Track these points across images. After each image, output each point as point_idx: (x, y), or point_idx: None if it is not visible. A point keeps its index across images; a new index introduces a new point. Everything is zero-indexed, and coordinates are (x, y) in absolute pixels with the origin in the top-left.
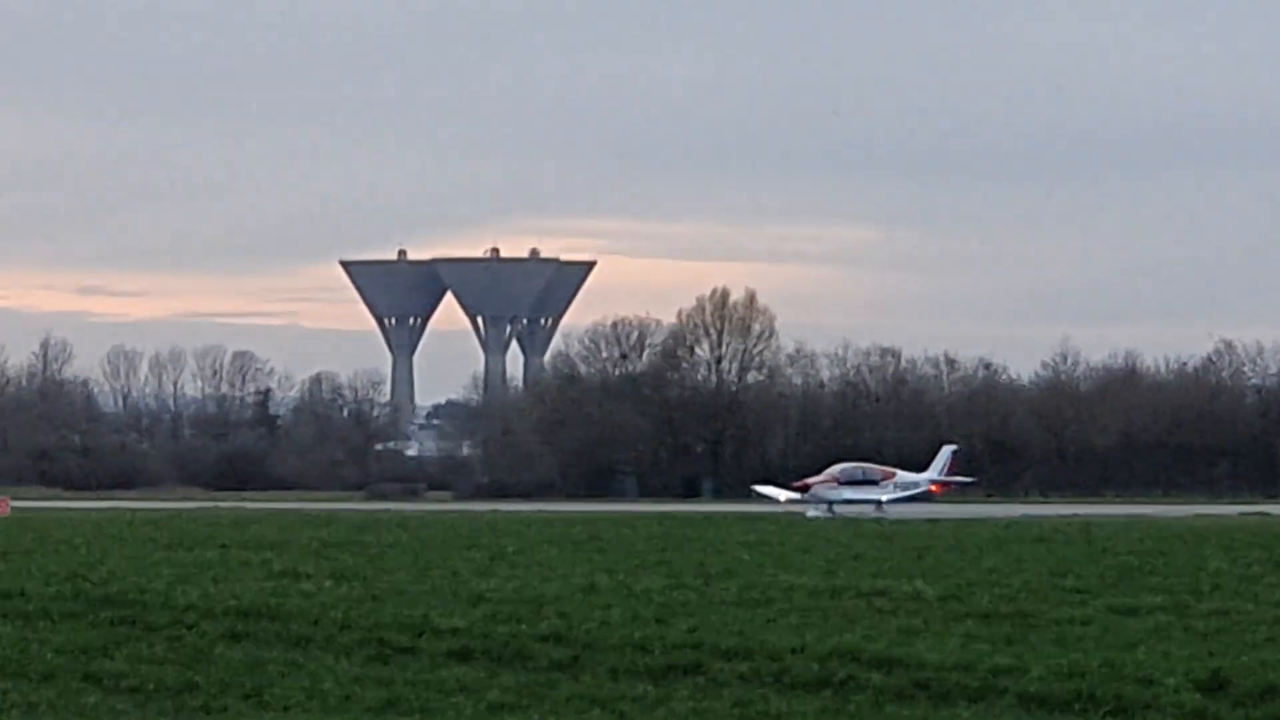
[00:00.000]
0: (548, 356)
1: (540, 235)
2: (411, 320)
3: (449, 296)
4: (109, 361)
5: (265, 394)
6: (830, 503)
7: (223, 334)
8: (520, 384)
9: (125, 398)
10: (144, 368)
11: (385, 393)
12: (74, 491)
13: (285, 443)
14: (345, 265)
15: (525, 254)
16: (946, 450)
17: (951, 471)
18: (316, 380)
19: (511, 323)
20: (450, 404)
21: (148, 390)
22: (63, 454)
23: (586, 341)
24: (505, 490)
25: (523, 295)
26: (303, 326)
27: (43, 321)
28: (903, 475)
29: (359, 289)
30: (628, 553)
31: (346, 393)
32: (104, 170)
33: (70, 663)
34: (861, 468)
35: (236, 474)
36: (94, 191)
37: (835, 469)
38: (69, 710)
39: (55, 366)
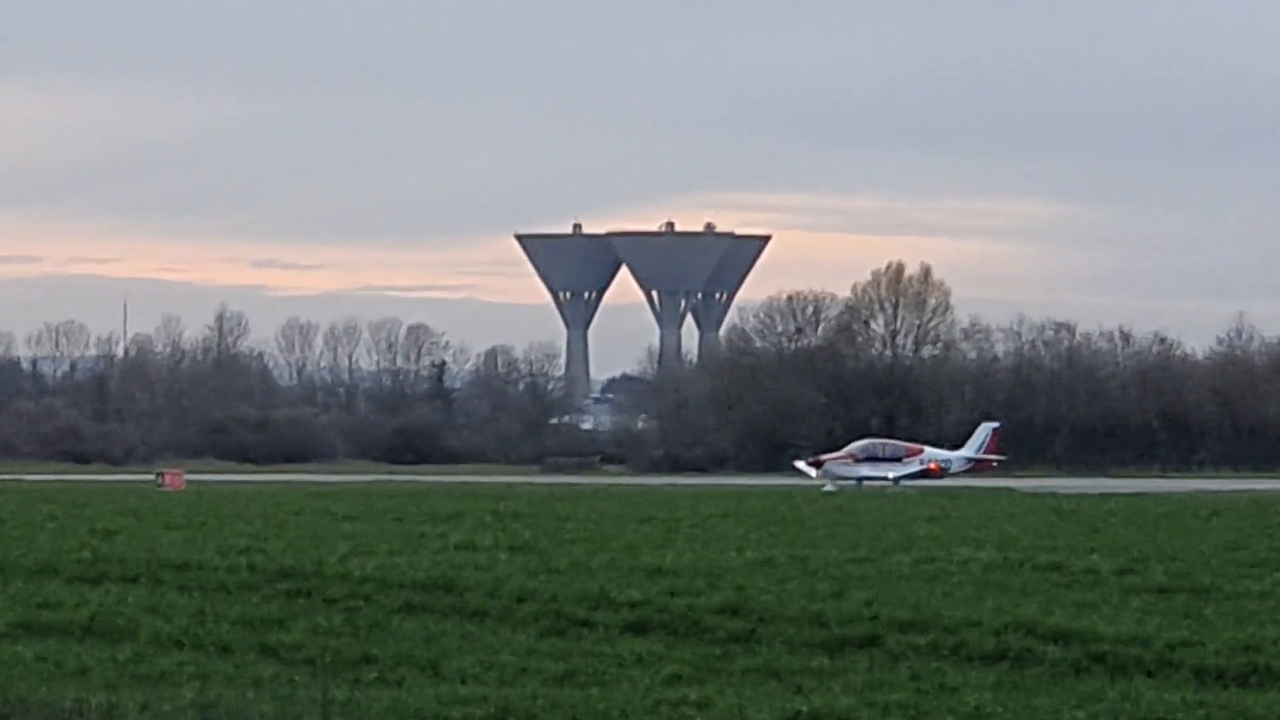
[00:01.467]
0: (723, 331)
1: (716, 209)
2: (587, 294)
3: (624, 270)
4: (284, 335)
5: (440, 367)
6: (843, 478)
7: (398, 307)
8: (695, 358)
9: (300, 371)
10: (319, 341)
11: (560, 366)
12: (249, 465)
13: (460, 416)
14: (521, 239)
15: (701, 228)
16: (986, 427)
17: (990, 449)
18: (492, 354)
19: (686, 297)
20: (625, 378)
21: (323, 364)
22: (238, 427)
23: (761, 316)
24: (680, 464)
25: (698, 269)
26: (478, 300)
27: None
28: (931, 451)
29: (534, 263)
30: (803, 526)
31: (522, 366)
32: (280, 144)
33: (247, 635)
34: (883, 444)
35: (411, 447)
36: (270, 165)
37: (855, 445)
38: (246, 682)
39: (231, 340)
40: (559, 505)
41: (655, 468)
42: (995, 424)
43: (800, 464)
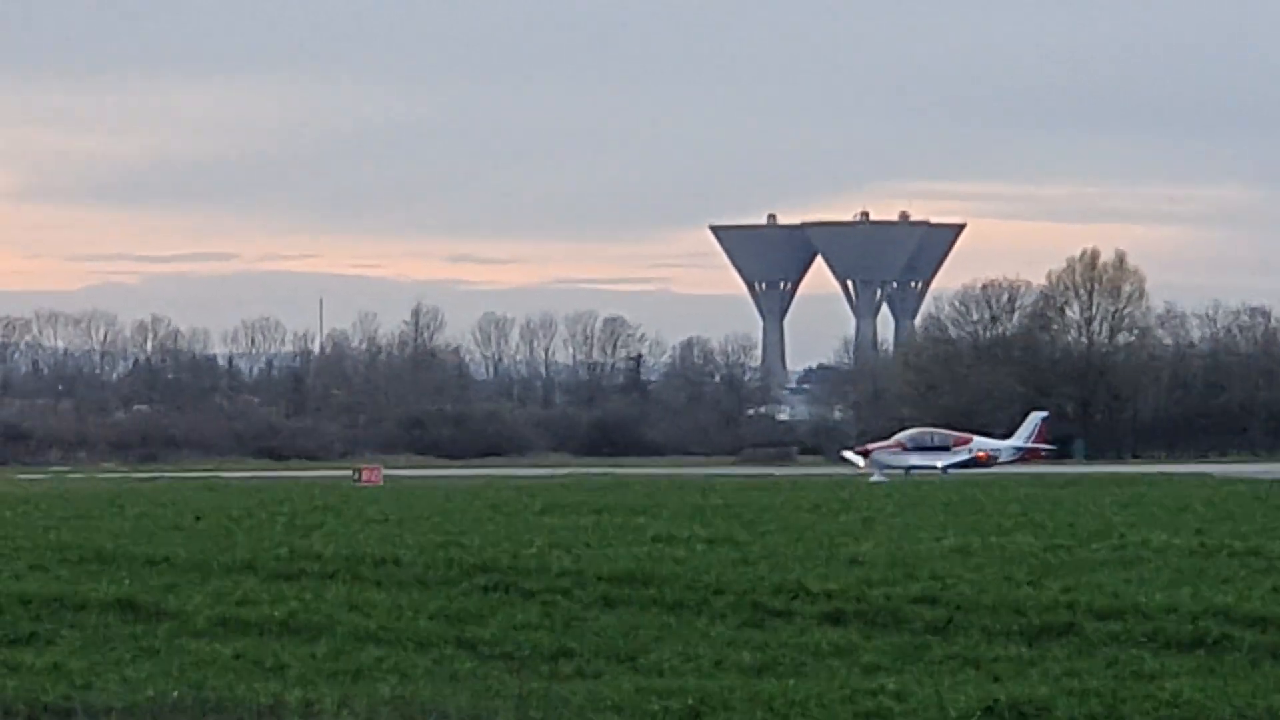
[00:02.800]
0: (918, 319)
1: (910, 198)
2: (782, 284)
3: (819, 260)
4: (480, 329)
5: (636, 360)
6: (890, 468)
7: (594, 300)
8: (891, 347)
9: (497, 365)
10: (515, 335)
11: (756, 357)
12: (446, 459)
13: (656, 408)
14: (716, 230)
15: (895, 217)
16: (1036, 416)
17: (1040, 438)
18: (688, 345)
19: (882, 286)
20: (821, 368)
21: (519, 357)
22: (435, 422)
23: (957, 304)
24: None
25: (893, 258)
26: (674, 292)
27: (414, 290)
28: (980, 441)
29: (729, 254)
30: (1000, 514)
31: (718, 358)
32: (475, 137)
33: (444, 630)
34: (932, 433)
35: (608, 440)
36: (465, 159)
37: (904, 434)
38: (444, 676)
39: (427, 334)
40: (756, 496)
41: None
42: (1044, 414)
43: (848, 453)
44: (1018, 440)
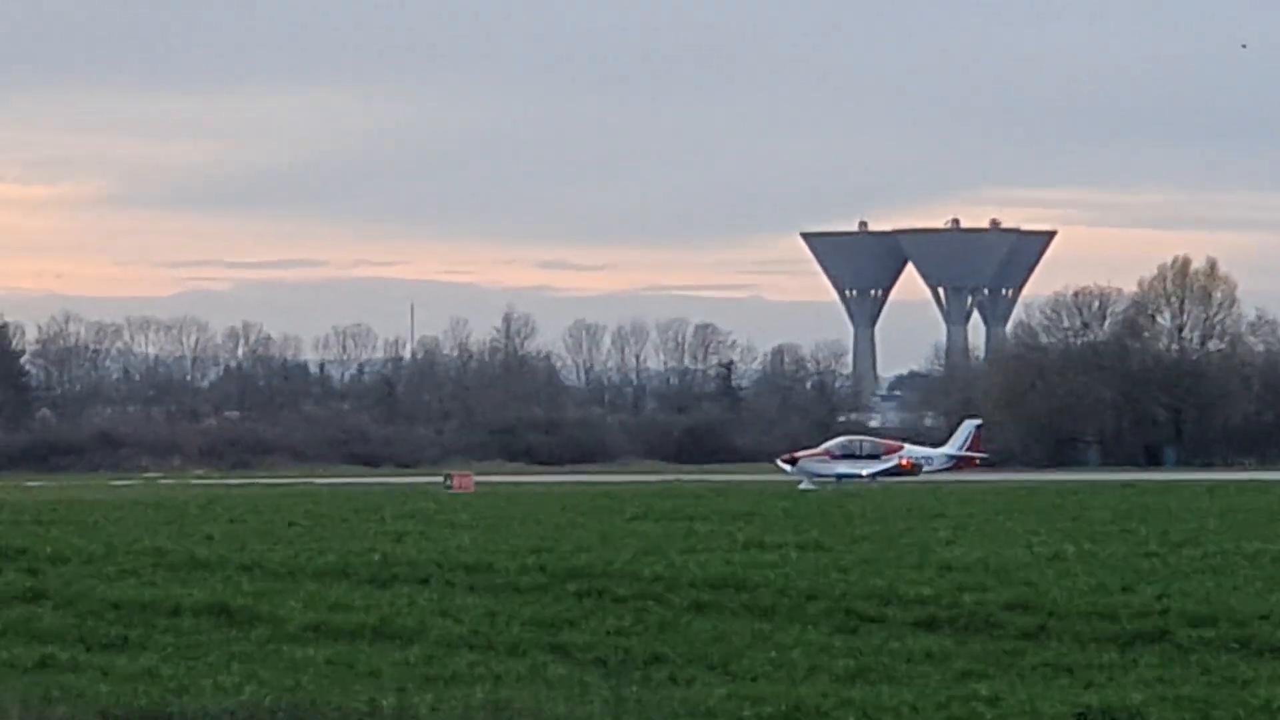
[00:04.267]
0: (1009, 326)
1: (1001, 205)
2: (873, 291)
3: (910, 267)
4: (571, 335)
5: (728, 366)
6: (819, 475)
7: (685, 307)
8: (982, 354)
9: (588, 371)
10: (606, 341)
11: (847, 364)
12: (538, 465)
13: (748, 415)
14: (807, 237)
15: (986, 224)
16: (969, 424)
17: (974, 446)
18: (779, 352)
19: (973, 293)
20: (912, 375)
21: (610, 364)
22: (526, 428)
23: (1047, 311)
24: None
25: (984, 266)
26: (764, 298)
27: (506, 297)
28: (912, 449)
29: (820, 261)
30: (1092, 521)
31: (809, 364)
32: (565, 144)
33: (537, 635)
34: (860, 440)
35: (699, 447)
36: (556, 165)
37: (832, 442)
38: (537, 682)
39: (518, 341)
40: (847, 502)
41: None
42: (978, 421)
43: (779, 461)
44: (950, 448)
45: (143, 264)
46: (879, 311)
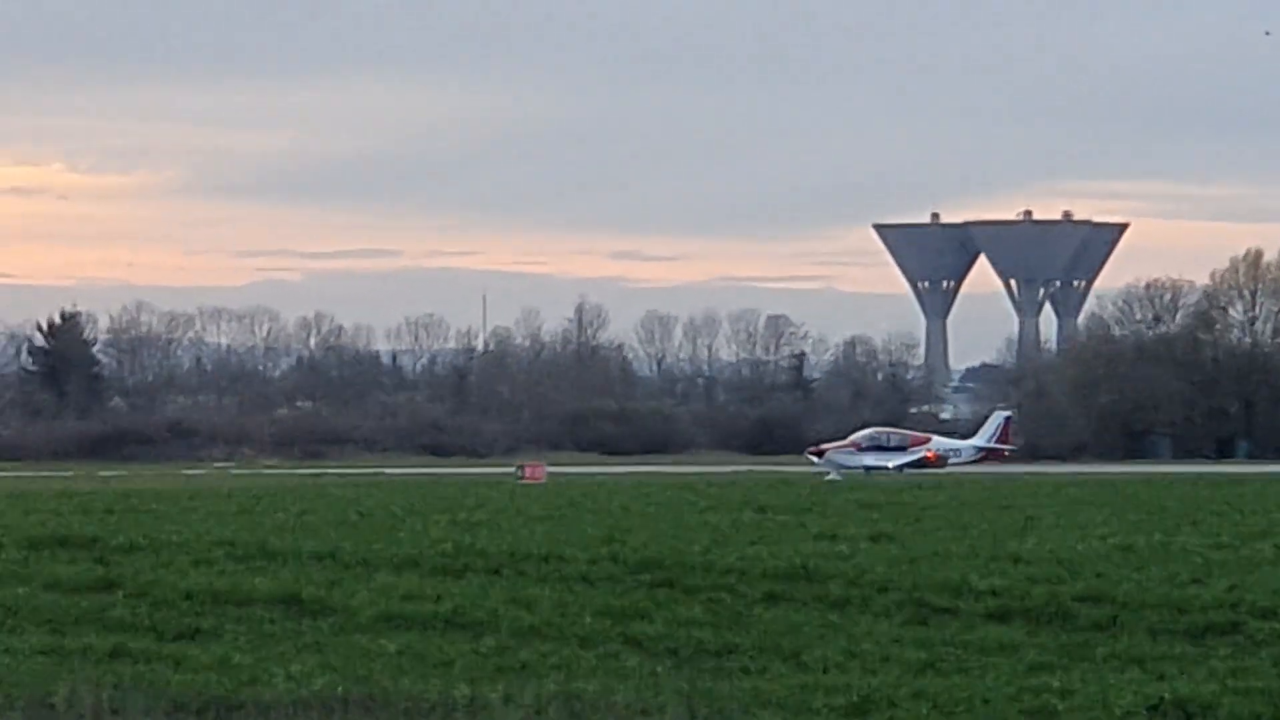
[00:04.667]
0: (1081, 319)
1: (1073, 198)
2: (945, 283)
3: (982, 259)
4: (643, 326)
5: (800, 358)
6: (846, 467)
7: (757, 298)
8: (1054, 346)
9: (660, 362)
10: (678, 332)
11: (919, 356)
12: (609, 456)
13: (819, 407)
14: (879, 229)
15: (1058, 216)
16: (999, 415)
17: (1003, 439)
18: (851, 344)
19: (1044, 285)
20: (984, 366)
21: (682, 355)
22: (598, 419)
23: (1119, 303)
24: (1038, 452)
25: (1056, 257)
26: (837, 290)
27: (578, 287)
28: (940, 441)
29: (893, 252)
30: (1163, 513)
31: (881, 356)
32: (637, 134)
33: (609, 626)
34: (889, 433)
35: (771, 438)
36: (627, 156)
37: (861, 434)
38: (608, 672)
39: (590, 332)
40: (918, 494)
41: (1014, 456)
42: (1008, 413)
43: (807, 453)
44: (979, 440)
45: (215, 254)
46: (951, 303)
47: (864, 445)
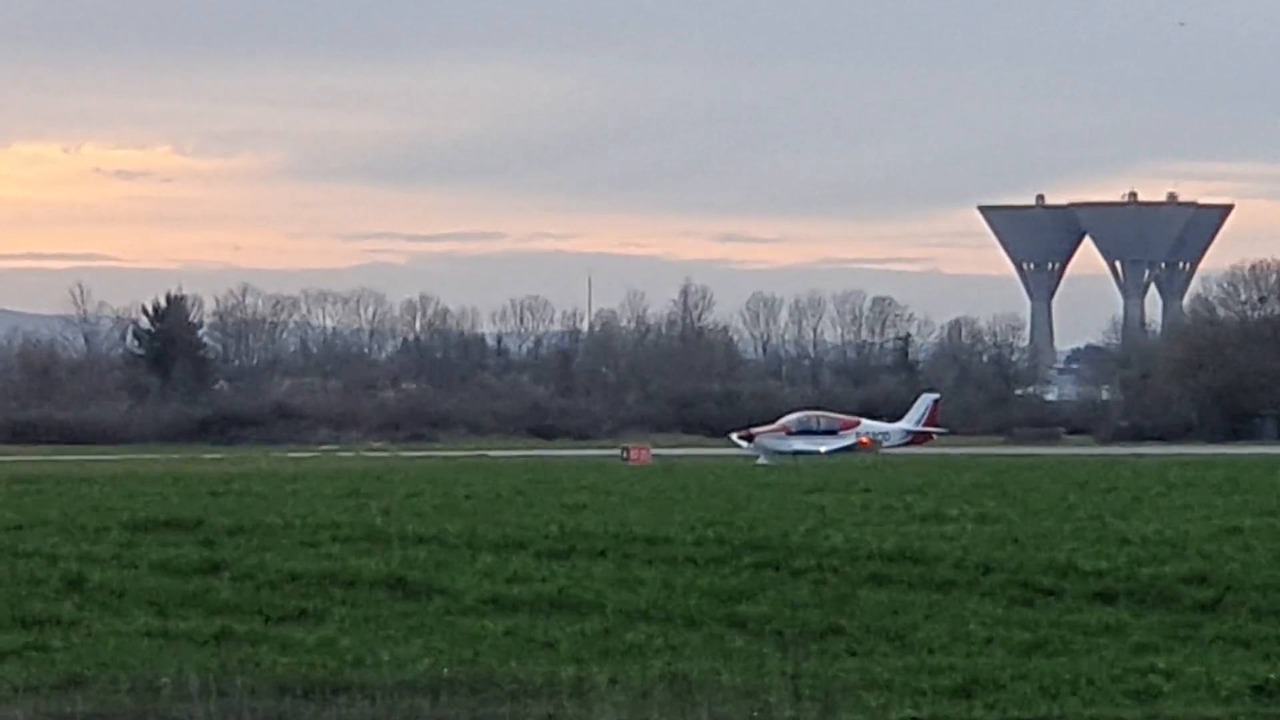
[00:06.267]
0: (1186, 300)
1: (1178, 179)
2: (1050, 265)
3: (1087, 241)
4: (749, 308)
5: (905, 339)
6: (776, 452)
7: (862, 280)
8: (1159, 328)
9: (765, 344)
10: (784, 314)
11: (1024, 338)
12: (715, 438)
13: (925, 388)
14: (984, 210)
15: (1163, 198)
16: (927, 398)
17: (931, 421)
18: (956, 325)
19: (1149, 267)
20: (1089, 348)
21: (787, 337)
22: (703, 401)
23: (1225, 285)
24: (1144, 434)
25: (1161, 239)
26: (942, 271)
27: (684, 269)
28: (868, 424)
29: (997, 234)
30: (1269, 494)
31: (986, 338)
32: (745, 117)
33: (715, 607)
34: (818, 417)
35: (876, 419)
36: (733, 138)
37: (789, 418)
38: (714, 653)
39: (696, 314)
40: (1024, 476)
41: (1119, 438)
42: (936, 396)
43: (733, 435)
44: (907, 423)
45: (321, 236)
46: (1056, 285)
47: (793, 429)
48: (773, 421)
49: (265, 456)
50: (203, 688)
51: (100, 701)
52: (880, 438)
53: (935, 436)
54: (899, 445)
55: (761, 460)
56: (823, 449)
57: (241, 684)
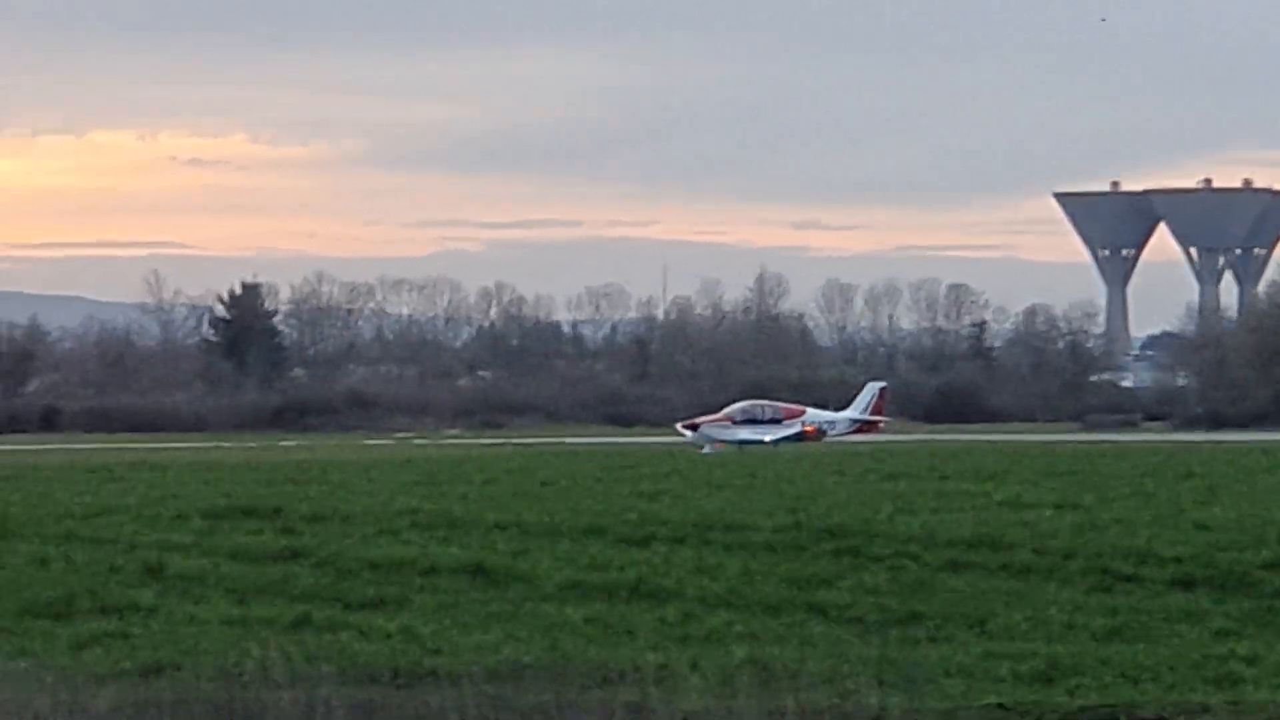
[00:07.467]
0: (1261, 286)
1: (1253, 166)
2: (1125, 251)
3: (1162, 227)
4: (824, 295)
5: (980, 326)
6: (720, 441)
7: (938, 266)
8: (1234, 314)
9: (840, 331)
10: (859, 301)
11: (1099, 324)
12: None
13: (1000, 375)
14: (1059, 197)
15: (1238, 184)
16: (872, 387)
17: (877, 409)
18: (1031, 312)
19: (1225, 253)
20: (1165, 335)
21: (863, 324)
22: (779, 388)
23: None
24: (1220, 420)
25: (1236, 225)
26: (1018, 259)
27: (759, 256)
28: (814, 413)
29: (1073, 221)
30: None
31: (1061, 325)
32: (818, 104)
33: (794, 594)
34: (763, 406)
35: (951, 407)
36: (808, 126)
37: (734, 407)
38: (794, 640)
39: (771, 301)
40: (1101, 463)
41: (1195, 424)
42: (882, 384)
43: (678, 426)
44: (853, 412)
45: (396, 224)
46: (1131, 271)
47: (738, 419)
48: (715, 411)
49: (349, 443)
50: (286, 675)
51: (183, 689)
52: (826, 426)
53: (882, 426)
54: (845, 434)
55: (706, 450)
56: (767, 438)
57: (323, 671)
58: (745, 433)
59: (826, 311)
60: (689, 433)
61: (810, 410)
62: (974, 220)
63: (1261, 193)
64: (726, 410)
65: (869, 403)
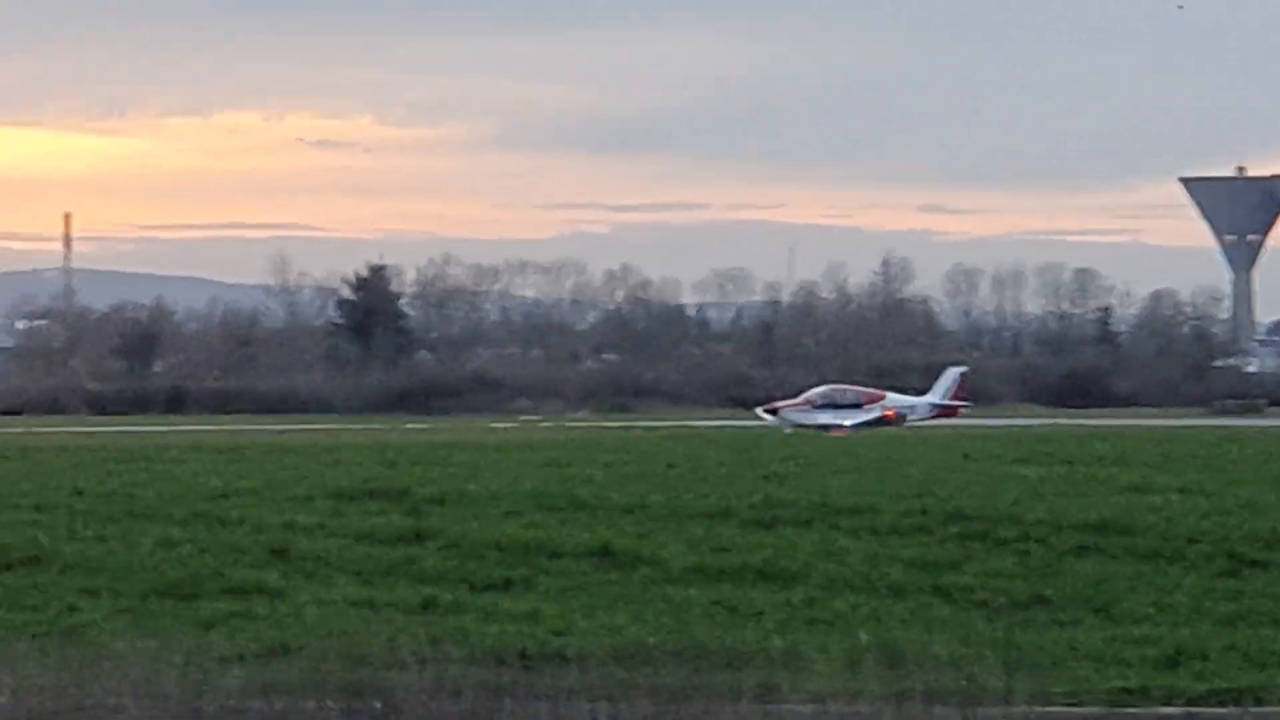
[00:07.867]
0: None
1: None
2: (1251, 237)
3: None
4: (950, 279)
5: (1106, 311)
6: (800, 425)
7: (1063, 251)
8: None
9: (966, 315)
10: (984, 285)
11: (1225, 309)
12: None
13: (1126, 360)
14: (1185, 182)
15: None
16: (953, 372)
17: (958, 395)
18: (1156, 297)
19: None
20: None
21: (988, 307)
22: (904, 372)
23: None
24: None
25: None
26: (1143, 243)
27: (885, 240)
28: (894, 398)
29: (1199, 205)
30: None
31: (1186, 309)
32: (945, 87)
33: (919, 577)
34: (844, 390)
35: (1077, 392)
36: (935, 109)
37: (815, 391)
38: (919, 623)
39: (896, 284)
40: (1225, 447)
41: None
42: (963, 369)
43: (759, 410)
44: (934, 397)
45: (522, 206)
46: (1257, 256)
47: (818, 403)
48: (797, 395)
49: (474, 425)
50: (412, 656)
51: (311, 670)
52: (906, 411)
53: (962, 411)
54: (926, 419)
55: (787, 431)
56: (847, 422)
57: (450, 652)
58: (825, 417)
59: (952, 295)
60: (769, 417)
61: (891, 395)
62: (1098, 204)
63: None
64: (807, 394)
65: (949, 388)
